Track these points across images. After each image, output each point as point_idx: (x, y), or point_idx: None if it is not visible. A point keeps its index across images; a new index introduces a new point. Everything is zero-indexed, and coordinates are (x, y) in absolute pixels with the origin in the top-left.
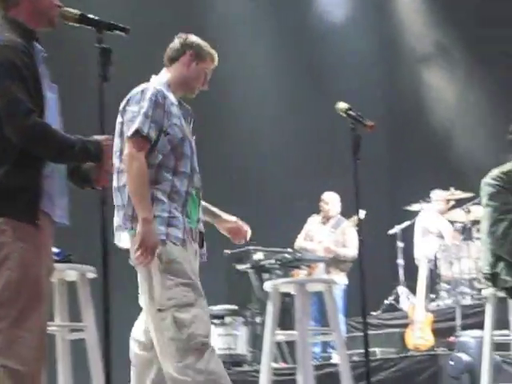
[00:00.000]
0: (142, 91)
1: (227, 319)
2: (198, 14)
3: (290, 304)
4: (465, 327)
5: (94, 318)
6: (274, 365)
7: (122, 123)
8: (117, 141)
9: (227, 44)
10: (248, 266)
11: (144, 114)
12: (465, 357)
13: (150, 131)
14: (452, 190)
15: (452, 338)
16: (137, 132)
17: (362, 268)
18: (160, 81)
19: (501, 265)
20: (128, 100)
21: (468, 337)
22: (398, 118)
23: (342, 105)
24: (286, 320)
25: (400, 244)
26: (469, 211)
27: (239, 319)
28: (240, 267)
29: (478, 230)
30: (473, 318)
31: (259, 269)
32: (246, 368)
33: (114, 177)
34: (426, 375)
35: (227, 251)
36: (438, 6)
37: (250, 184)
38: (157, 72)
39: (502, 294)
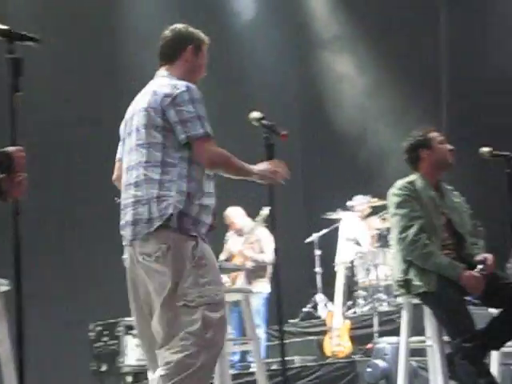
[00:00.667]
0: (188, 90)
1: None
2: (109, 15)
3: None
4: (382, 334)
5: (7, 331)
6: None
7: (166, 120)
8: (143, 131)
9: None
10: None
11: (204, 117)
12: (381, 363)
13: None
14: (368, 197)
15: (369, 345)
16: (206, 134)
17: (278, 276)
18: (167, 75)
19: (412, 271)
20: (175, 97)
21: (384, 343)
22: (313, 124)
23: (255, 114)
24: None
25: (317, 252)
26: (384, 218)
27: None
28: None
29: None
30: (390, 324)
31: None
32: None
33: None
34: (344, 382)
35: None
36: None
37: None
38: None
39: (416, 301)
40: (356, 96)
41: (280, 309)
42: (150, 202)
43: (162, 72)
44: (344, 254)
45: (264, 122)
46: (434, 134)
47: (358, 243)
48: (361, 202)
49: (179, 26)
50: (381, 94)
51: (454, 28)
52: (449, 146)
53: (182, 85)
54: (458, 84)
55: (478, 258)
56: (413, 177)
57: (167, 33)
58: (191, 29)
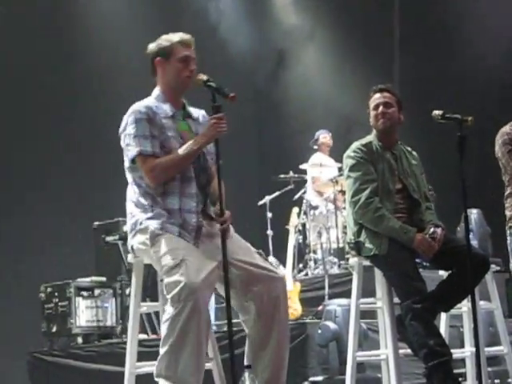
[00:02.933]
0: (132, 112)
1: (96, 291)
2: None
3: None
4: (333, 296)
5: None
6: (142, 336)
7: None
8: (125, 158)
9: (103, 41)
10: (117, 237)
11: (141, 136)
12: (332, 325)
13: (154, 149)
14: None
15: (320, 307)
16: (140, 154)
17: (224, 241)
18: (153, 95)
19: (364, 233)
20: (124, 124)
21: (335, 305)
22: (268, 87)
23: (201, 76)
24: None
25: (269, 214)
26: (337, 182)
27: (108, 291)
28: (109, 239)
29: (345, 201)
30: (340, 286)
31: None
32: (114, 340)
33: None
34: (295, 344)
35: (96, 223)
36: None
37: None
38: None
39: (367, 263)
40: (309, 58)
41: (226, 272)
42: None
43: (154, 91)
44: (295, 217)
45: (210, 83)
46: (372, 98)
47: (311, 206)
48: (323, 135)
49: (152, 43)
50: (334, 53)
51: None
52: (378, 110)
53: (131, 108)
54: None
55: (429, 230)
56: (369, 138)
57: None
58: (160, 39)
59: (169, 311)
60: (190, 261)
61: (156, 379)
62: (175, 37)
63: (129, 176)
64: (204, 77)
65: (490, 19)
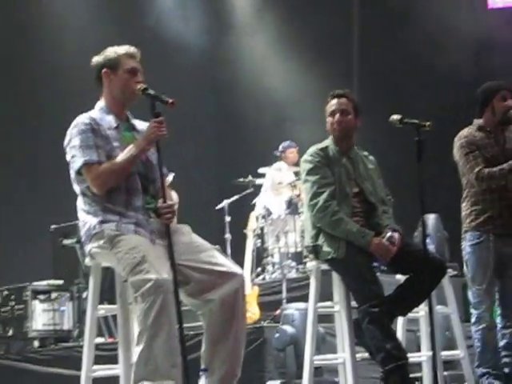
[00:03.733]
0: (75, 125)
1: (53, 295)
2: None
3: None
4: (290, 300)
5: None
6: (98, 340)
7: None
8: (71, 171)
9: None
10: (74, 240)
11: (85, 146)
12: (289, 329)
13: (100, 158)
14: (279, 162)
15: (278, 311)
16: (86, 164)
17: (170, 245)
18: (97, 108)
19: (322, 237)
20: (68, 138)
21: (293, 309)
22: (226, 93)
23: (139, 86)
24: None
25: (227, 218)
26: (295, 186)
27: (65, 294)
28: (66, 242)
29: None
30: (298, 290)
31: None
32: (71, 344)
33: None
34: (252, 348)
35: (53, 226)
36: None
37: None
38: None
39: (325, 267)
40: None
41: (175, 274)
42: None
43: (98, 103)
44: (253, 221)
45: (148, 92)
46: (329, 104)
47: (268, 210)
48: (290, 150)
49: (98, 55)
50: (294, 62)
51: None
52: (334, 118)
53: (75, 120)
54: (369, 50)
55: (386, 234)
56: (326, 142)
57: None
58: (108, 51)
59: (140, 308)
60: (151, 256)
61: None
62: (121, 49)
63: (76, 188)
64: (142, 86)
65: (451, 20)
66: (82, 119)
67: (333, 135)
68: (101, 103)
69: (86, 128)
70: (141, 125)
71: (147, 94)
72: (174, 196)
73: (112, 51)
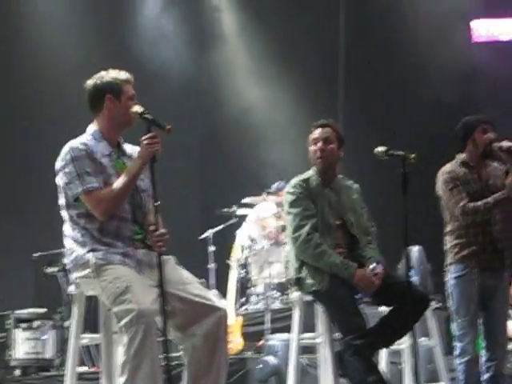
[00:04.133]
0: (69, 150)
1: (35, 323)
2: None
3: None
4: (274, 331)
5: None
6: (80, 369)
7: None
8: (60, 195)
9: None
10: (57, 268)
11: (84, 173)
12: (272, 360)
13: (100, 184)
14: (264, 195)
15: (260, 342)
16: (86, 191)
17: (161, 272)
18: (89, 132)
19: (305, 269)
20: (62, 163)
21: (276, 340)
22: (212, 122)
23: (136, 108)
24: (98, 323)
25: (211, 248)
26: (279, 216)
27: (47, 323)
28: (49, 270)
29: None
30: (282, 321)
31: (68, 272)
32: (53, 373)
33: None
34: (235, 378)
35: (36, 254)
36: None
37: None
38: None
39: (308, 298)
40: (253, 89)
41: (163, 304)
42: None
43: (90, 127)
44: (238, 251)
45: (146, 115)
46: (312, 134)
47: (253, 240)
48: (278, 187)
49: (100, 76)
50: (278, 87)
51: (353, 17)
52: (317, 146)
53: (68, 145)
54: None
55: (370, 266)
56: (308, 173)
57: (89, 86)
58: (111, 74)
59: (124, 339)
60: (135, 286)
61: None
62: (121, 75)
63: (65, 214)
64: (140, 109)
65: (436, 52)
66: (77, 145)
67: (316, 165)
68: (93, 127)
69: (81, 154)
70: (130, 149)
71: (144, 118)
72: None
73: (113, 77)
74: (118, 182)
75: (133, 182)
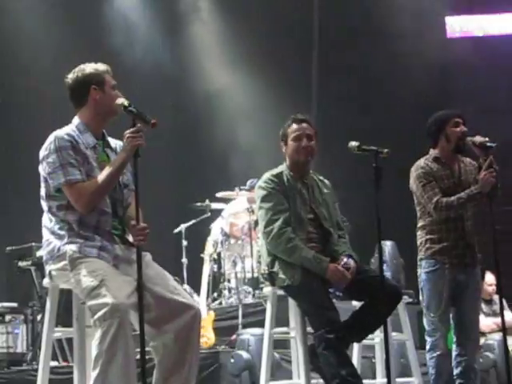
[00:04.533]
0: (54, 140)
1: (7, 317)
2: None
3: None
4: (246, 325)
5: None
6: (53, 363)
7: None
8: (43, 185)
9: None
10: (30, 262)
11: (67, 164)
12: (245, 354)
13: (82, 176)
14: (237, 189)
15: (233, 337)
16: (68, 182)
17: (139, 268)
18: (74, 124)
19: (277, 264)
20: (46, 152)
21: (248, 334)
22: (187, 118)
23: (121, 100)
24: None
25: (184, 242)
26: (252, 211)
27: (19, 317)
28: (22, 264)
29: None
30: (254, 316)
31: (41, 266)
32: (25, 367)
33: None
34: (207, 373)
35: (8, 248)
36: None
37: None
38: None
39: (281, 292)
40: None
41: (141, 299)
42: None
43: (74, 119)
44: (210, 246)
45: (131, 109)
46: (292, 128)
47: (226, 235)
48: (250, 184)
49: (81, 68)
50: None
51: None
52: (303, 142)
53: (53, 135)
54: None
55: (342, 261)
56: (280, 168)
57: (70, 80)
58: (92, 66)
59: (97, 333)
60: (110, 280)
61: None
62: (100, 66)
63: (45, 204)
64: (125, 101)
65: (411, 47)
66: (61, 134)
67: (294, 160)
68: (77, 119)
69: (66, 145)
70: (114, 143)
71: (129, 111)
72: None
73: (94, 68)
74: (102, 175)
75: (116, 176)
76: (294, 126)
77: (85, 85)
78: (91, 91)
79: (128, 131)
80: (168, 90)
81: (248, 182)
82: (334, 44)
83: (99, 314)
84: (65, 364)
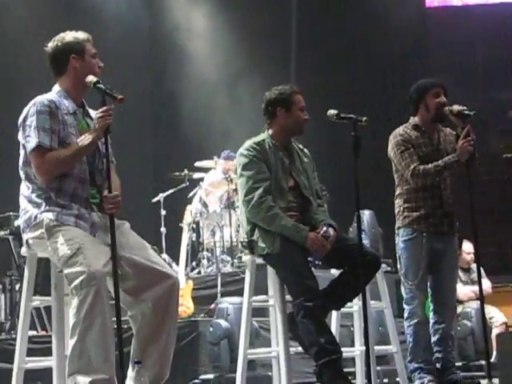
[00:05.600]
0: (34, 104)
1: None
2: None
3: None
4: (225, 294)
5: None
6: (31, 333)
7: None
8: (21, 152)
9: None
10: (8, 232)
11: (41, 128)
12: (224, 323)
13: (52, 143)
14: (215, 158)
15: (212, 305)
16: (38, 146)
17: (113, 238)
18: (55, 91)
19: (257, 232)
20: (24, 115)
21: (227, 303)
22: (163, 84)
23: (91, 77)
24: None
25: (163, 212)
26: (231, 180)
27: None
28: None
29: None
30: (233, 285)
31: (19, 235)
32: (3, 336)
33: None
34: (186, 342)
35: None
36: None
37: None
38: None
39: (260, 261)
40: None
41: (115, 266)
42: None
43: (55, 87)
44: (189, 215)
45: (99, 85)
46: (297, 98)
47: (204, 204)
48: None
49: (60, 37)
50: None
51: None
52: (305, 116)
53: (34, 100)
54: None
55: (321, 229)
56: (262, 136)
57: (50, 48)
58: (72, 34)
59: (74, 301)
60: (87, 249)
61: (70, 379)
62: (81, 34)
63: (22, 172)
64: (94, 78)
65: (387, 18)
66: (42, 100)
67: (293, 130)
68: (57, 87)
69: (44, 109)
70: (93, 113)
71: (98, 88)
72: (117, 184)
73: (74, 37)
74: (69, 150)
75: (82, 154)
76: (299, 96)
77: (64, 53)
78: (71, 60)
79: (98, 111)
80: (146, 61)
81: (222, 154)
82: (311, 9)
83: (76, 282)
84: (43, 333)
